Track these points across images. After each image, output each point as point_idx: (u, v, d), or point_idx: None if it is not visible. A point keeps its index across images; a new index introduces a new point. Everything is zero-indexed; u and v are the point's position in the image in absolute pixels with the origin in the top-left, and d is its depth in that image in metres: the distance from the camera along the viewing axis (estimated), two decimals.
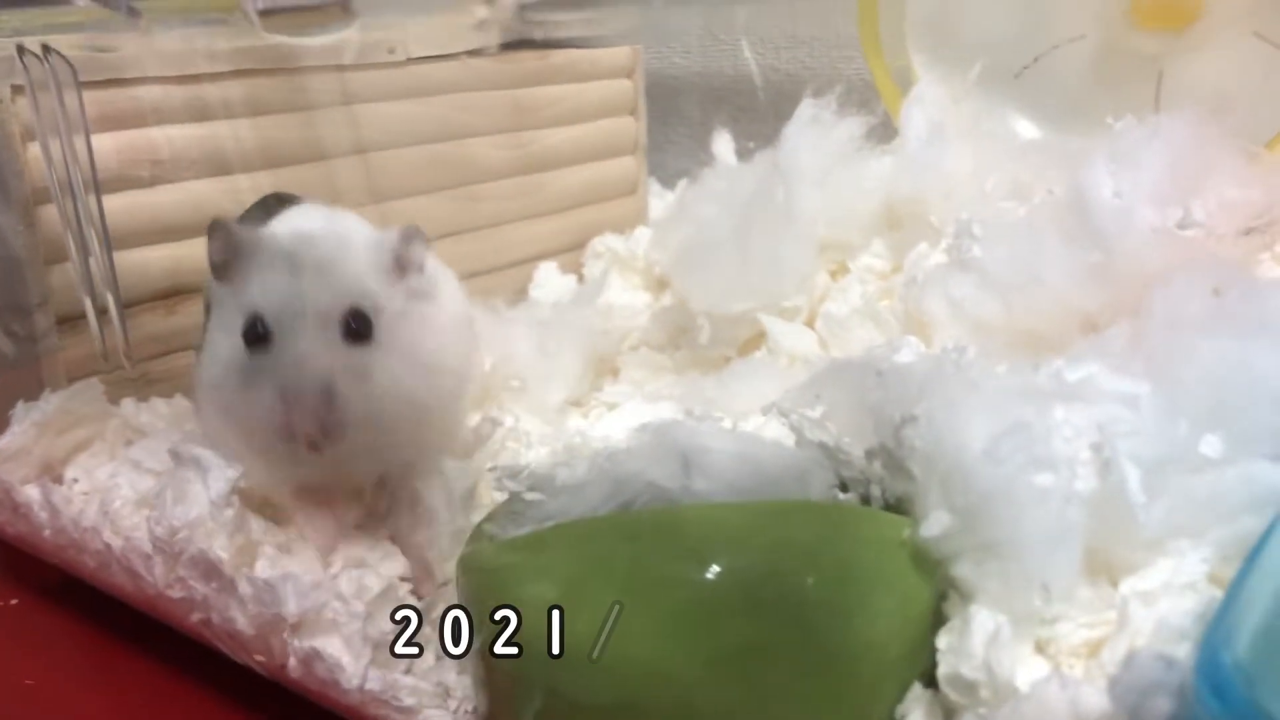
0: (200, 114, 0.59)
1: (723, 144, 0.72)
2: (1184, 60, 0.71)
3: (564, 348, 0.64)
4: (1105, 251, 0.51)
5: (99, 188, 0.46)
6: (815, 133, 0.64)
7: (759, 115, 0.99)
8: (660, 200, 0.92)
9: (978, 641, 0.33)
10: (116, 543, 0.47)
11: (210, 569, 0.42)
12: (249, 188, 0.60)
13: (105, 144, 0.55)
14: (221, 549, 0.42)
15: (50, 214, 0.55)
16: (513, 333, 0.64)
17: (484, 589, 0.38)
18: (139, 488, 0.49)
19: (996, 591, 0.34)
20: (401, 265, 0.46)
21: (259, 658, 0.44)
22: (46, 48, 0.42)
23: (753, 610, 0.34)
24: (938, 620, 0.36)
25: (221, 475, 0.43)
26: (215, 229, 0.45)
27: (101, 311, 0.54)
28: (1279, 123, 0.64)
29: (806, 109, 0.64)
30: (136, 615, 0.52)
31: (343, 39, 0.55)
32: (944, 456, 0.34)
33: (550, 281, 0.79)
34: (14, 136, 0.52)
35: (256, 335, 0.43)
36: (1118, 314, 0.52)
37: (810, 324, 0.63)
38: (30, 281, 0.55)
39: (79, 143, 0.46)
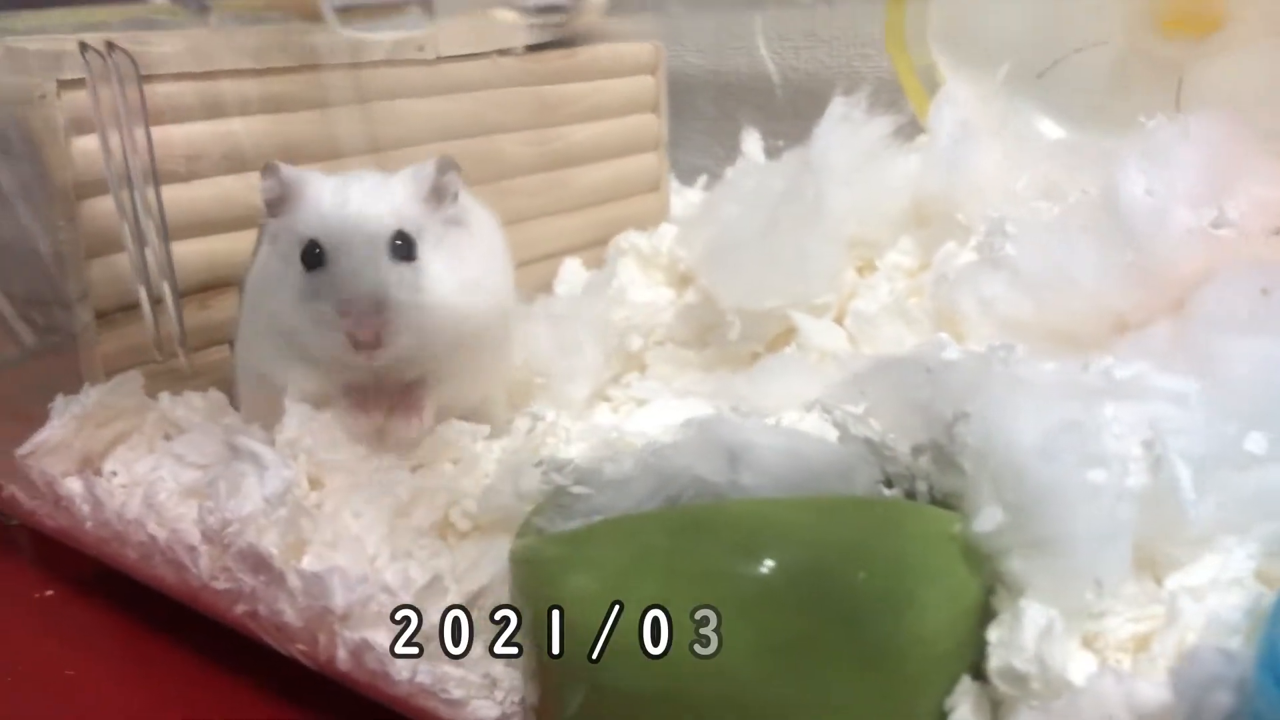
0: (236, 109, 0.59)
1: (751, 142, 0.73)
2: (1205, 63, 0.71)
3: (583, 342, 0.64)
4: (1139, 251, 0.51)
5: (158, 180, 0.47)
6: (845, 131, 0.64)
7: (775, 112, 1.00)
8: (680, 197, 0.92)
9: (1029, 635, 0.33)
10: (161, 535, 0.47)
11: (260, 562, 0.43)
12: None
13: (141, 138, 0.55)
14: (272, 544, 0.42)
15: (91, 208, 0.55)
16: (533, 330, 0.64)
17: (535, 582, 0.38)
18: (182, 480, 0.49)
19: (1047, 586, 0.34)
20: (438, 194, 0.51)
21: (306, 649, 0.44)
22: (110, 44, 0.42)
23: (803, 604, 0.35)
24: (986, 614, 0.36)
25: (278, 475, 0.44)
26: (267, 170, 0.50)
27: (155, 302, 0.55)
28: None
29: (837, 107, 0.65)
30: (171, 606, 0.53)
31: (416, 35, 0.56)
32: (996, 452, 0.35)
33: (574, 277, 0.79)
34: (59, 131, 0.53)
35: (314, 258, 0.48)
36: (1150, 313, 0.53)
37: (839, 321, 0.64)
38: (70, 276, 0.55)
39: (138, 136, 0.47)
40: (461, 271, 0.51)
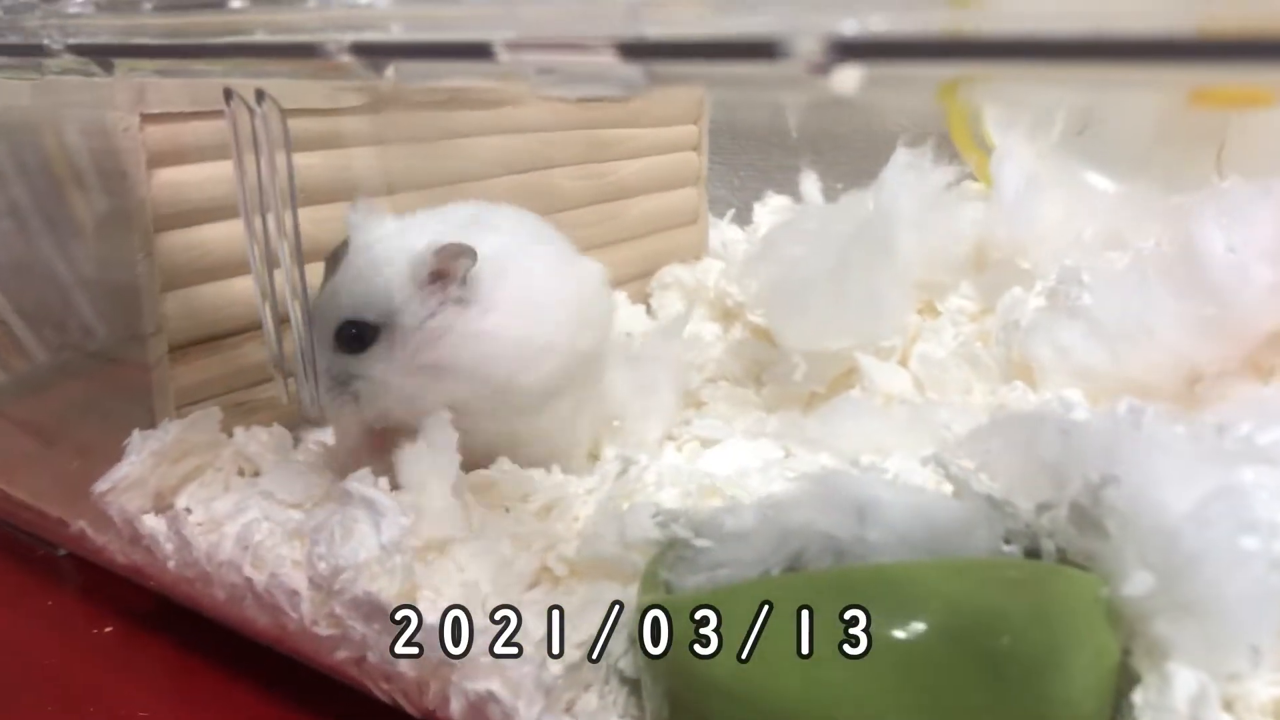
0: (321, 144, 0.59)
1: (810, 184, 0.73)
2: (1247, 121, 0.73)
3: (659, 384, 0.64)
4: (1220, 306, 0.52)
5: (296, 214, 0.47)
6: (913, 178, 0.65)
7: (791, 150, 1.01)
8: (716, 231, 0.93)
9: (1180, 698, 0.34)
10: (259, 578, 0.46)
11: (374, 610, 0.42)
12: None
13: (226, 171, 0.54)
14: (387, 592, 0.42)
15: (168, 241, 0.55)
16: (608, 373, 0.64)
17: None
18: (276, 519, 0.49)
19: (1196, 650, 0.34)
20: (438, 278, 0.51)
21: (412, 696, 0.44)
22: (260, 93, 0.42)
23: (950, 668, 0.35)
24: (1122, 674, 0.37)
25: (395, 522, 0.43)
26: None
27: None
28: None
29: (901, 156, 0.66)
30: (234, 640, 0.52)
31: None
32: (1143, 516, 0.35)
33: (620, 311, 0.80)
34: (140, 165, 0.52)
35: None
36: (1225, 366, 0.54)
37: (903, 363, 0.64)
38: (146, 309, 0.54)
39: (280, 170, 0.47)
40: (448, 350, 0.51)
